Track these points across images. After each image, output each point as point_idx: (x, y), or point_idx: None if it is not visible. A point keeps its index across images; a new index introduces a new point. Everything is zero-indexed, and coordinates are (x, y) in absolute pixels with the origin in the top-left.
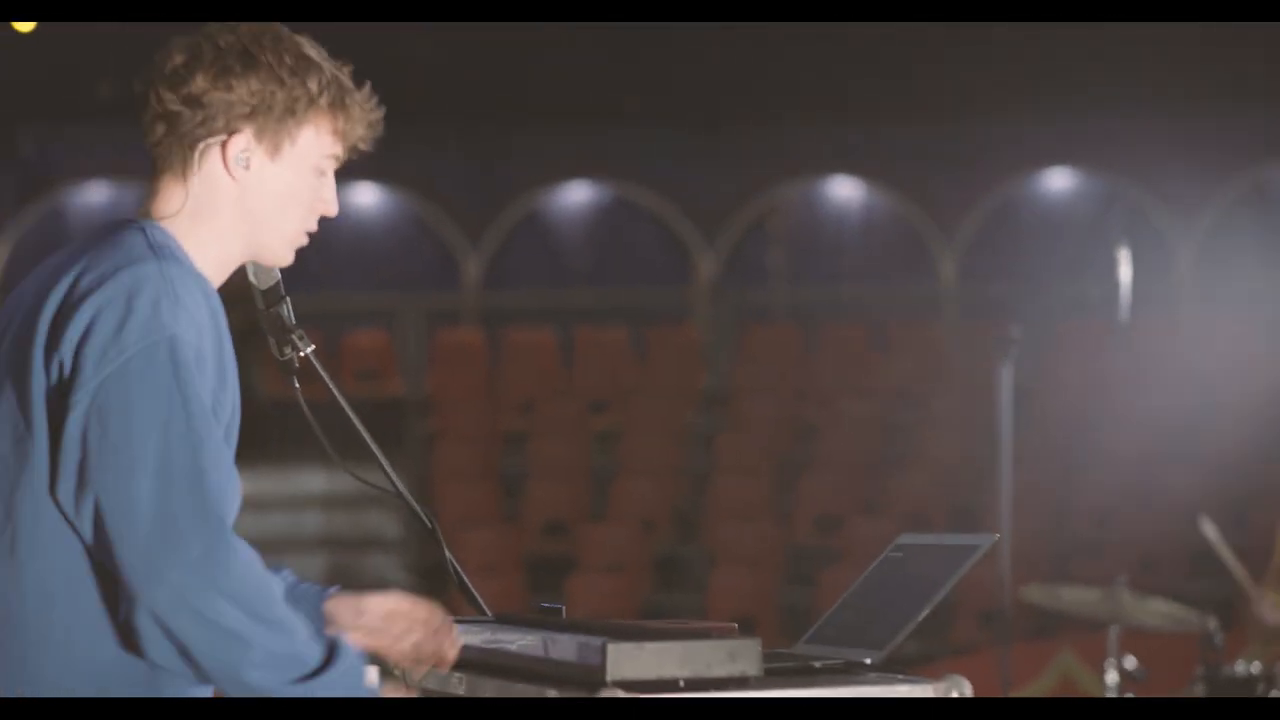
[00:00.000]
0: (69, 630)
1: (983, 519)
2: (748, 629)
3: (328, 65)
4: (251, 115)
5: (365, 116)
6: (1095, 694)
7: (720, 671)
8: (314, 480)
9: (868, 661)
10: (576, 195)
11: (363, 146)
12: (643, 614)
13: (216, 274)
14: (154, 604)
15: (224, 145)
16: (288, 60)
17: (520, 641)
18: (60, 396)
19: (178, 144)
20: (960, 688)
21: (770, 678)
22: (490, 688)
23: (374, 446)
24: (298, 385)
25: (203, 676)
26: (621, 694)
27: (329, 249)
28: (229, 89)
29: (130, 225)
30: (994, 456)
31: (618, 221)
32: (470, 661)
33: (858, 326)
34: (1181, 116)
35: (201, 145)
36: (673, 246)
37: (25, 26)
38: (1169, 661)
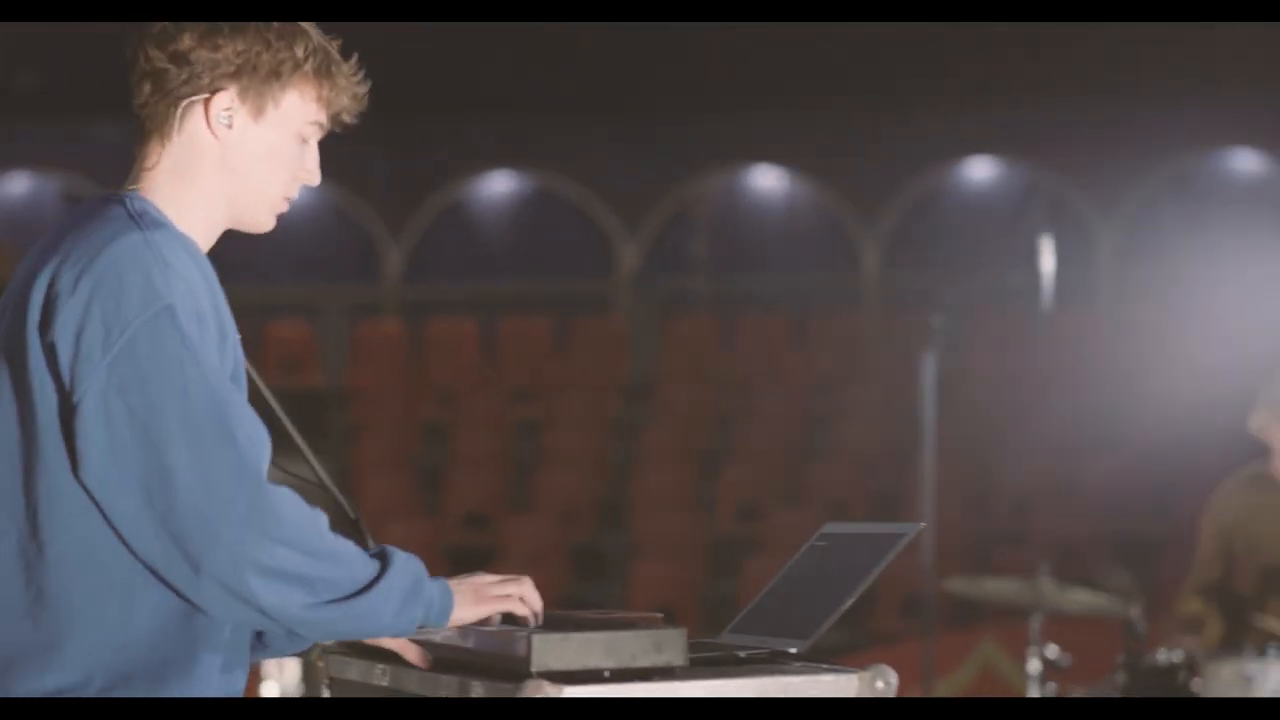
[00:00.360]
0: (102, 605)
1: (905, 508)
2: (670, 619)
3: (315, 33)
4: (236, 74)
5: (351, 87)
6: (1017, 682)
7: (645, 662)
8: None
9: (793, 651)
10: (498, 186)
11: (346, 118)
12: (564, 605)
13: (201, 238)
14: (215, 569)
15: (207, 103)
16: (275, 25)
17: (444, 632)
18: (68, 381)
19: (163, 102)
20: (886, 678)
21: (696, 668)
22: (413, 679)
23: (297, 437)
24: None
25: (277, 626)
26: (547, 685)
27: (252, 239)
28: (215, 48)
29: (111, 198)
30: (916, 446)
31: (539, 212)
32: (394, 653)
33: (779, 316)
34: (1103, 106)
35: (185, 103)
36: (595, 237)
37: None
38: (1091, 650)
